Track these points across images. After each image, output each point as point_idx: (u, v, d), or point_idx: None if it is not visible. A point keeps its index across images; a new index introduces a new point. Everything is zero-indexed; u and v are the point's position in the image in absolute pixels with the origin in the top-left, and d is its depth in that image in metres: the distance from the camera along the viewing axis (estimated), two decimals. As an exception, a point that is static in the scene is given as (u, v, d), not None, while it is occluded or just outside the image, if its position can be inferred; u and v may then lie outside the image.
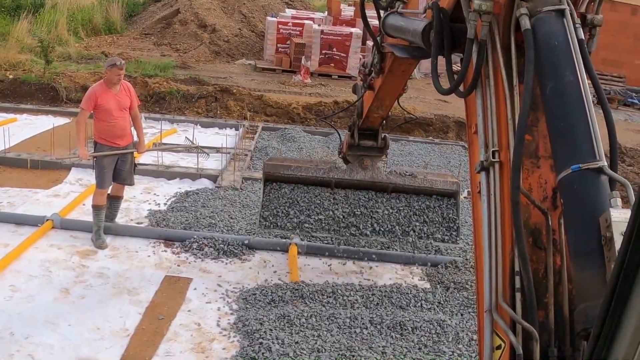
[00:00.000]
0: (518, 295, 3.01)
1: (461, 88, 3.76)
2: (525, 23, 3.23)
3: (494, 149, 3.33)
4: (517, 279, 3.01)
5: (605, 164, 2.80)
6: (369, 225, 8.25)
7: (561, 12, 3.27)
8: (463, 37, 3.63)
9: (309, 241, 8.83)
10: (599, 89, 3.24)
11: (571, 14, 3.29)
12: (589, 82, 3.17)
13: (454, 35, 3.92)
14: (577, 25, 3.29)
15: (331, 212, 8.31)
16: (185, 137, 13.97)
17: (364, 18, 6.89)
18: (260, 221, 8.32)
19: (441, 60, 3.96)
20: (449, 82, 3.80)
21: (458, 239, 8.37)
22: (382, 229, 8.29)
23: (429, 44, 4.14)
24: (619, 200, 2.67)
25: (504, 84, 3.34)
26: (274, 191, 8.45)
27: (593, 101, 3.04)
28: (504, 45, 3.43)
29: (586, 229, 2.68)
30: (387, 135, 8.25)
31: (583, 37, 3.30)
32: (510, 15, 3.39)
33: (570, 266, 3.01)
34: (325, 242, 8.85)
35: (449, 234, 8.31)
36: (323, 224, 8.24)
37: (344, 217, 8.27)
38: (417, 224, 8.31)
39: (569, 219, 2.90)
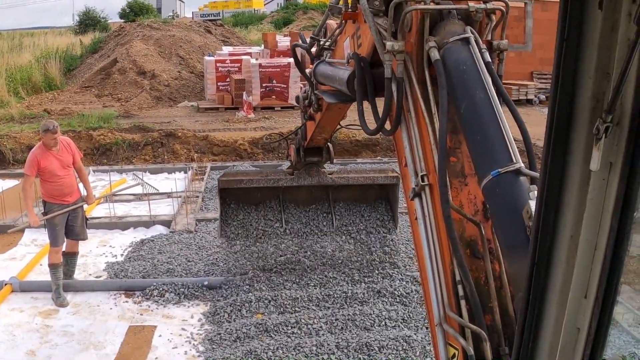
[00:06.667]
0: (463, 303, 3.19)
1: (387, 127, 3.99)
2: (435, 55, 3.55)
3: (422, 174, 3.56)
4: (460, 287, 3.17)
5: (522, 165, 3.02)
6: (320, 223, 8.93)
7: (466, 40, 3.58)
8: (384, 81, 3.88)
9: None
10: (509, 102, 3.50)
11: (476, 41, 3.59)
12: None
13: (375, 80, 4.18)
14: (482, 50, 3.58)
15: (285, 217, 8.95)
16: (134, 173, 14.02)
17: (298, 65, 7.05)
18: (220, 233, 8.80)
19: None
20: (376, 123, 4.03)
21: (396, 228, 9.14)
22: (332, 226, 9.01)
23: (354, 91, 4.40)
24: (537, 192, 2.87)
25: (424, 114, 3.60)
26: (230, 204, 8.95)
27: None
28: (420, 80, 3.71)
29: (512, 225, 2.90)
30: (330, 145, 8.63)
31: (489, 60, 3.58)
32: (422, 51, 3.69)
33: (504, 263, 3.21)
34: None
35: (388, 222, 9.07)
36: (278, 230, 8.86)
37: (296, 219, 8.96)
38: (361, 216, 9.06)
39: (495, 220, 3.15)
